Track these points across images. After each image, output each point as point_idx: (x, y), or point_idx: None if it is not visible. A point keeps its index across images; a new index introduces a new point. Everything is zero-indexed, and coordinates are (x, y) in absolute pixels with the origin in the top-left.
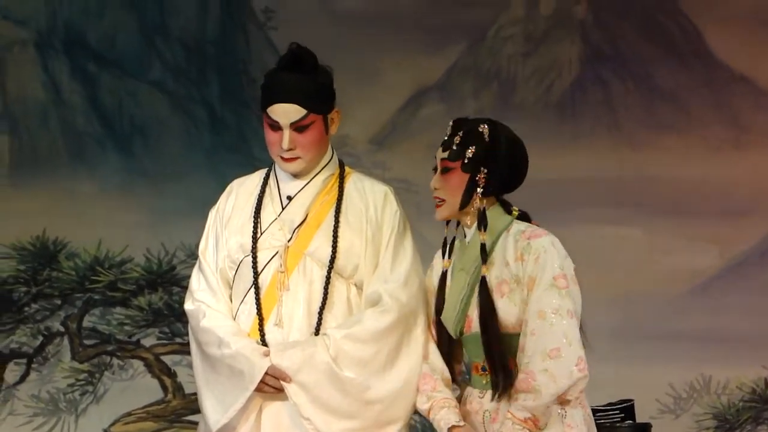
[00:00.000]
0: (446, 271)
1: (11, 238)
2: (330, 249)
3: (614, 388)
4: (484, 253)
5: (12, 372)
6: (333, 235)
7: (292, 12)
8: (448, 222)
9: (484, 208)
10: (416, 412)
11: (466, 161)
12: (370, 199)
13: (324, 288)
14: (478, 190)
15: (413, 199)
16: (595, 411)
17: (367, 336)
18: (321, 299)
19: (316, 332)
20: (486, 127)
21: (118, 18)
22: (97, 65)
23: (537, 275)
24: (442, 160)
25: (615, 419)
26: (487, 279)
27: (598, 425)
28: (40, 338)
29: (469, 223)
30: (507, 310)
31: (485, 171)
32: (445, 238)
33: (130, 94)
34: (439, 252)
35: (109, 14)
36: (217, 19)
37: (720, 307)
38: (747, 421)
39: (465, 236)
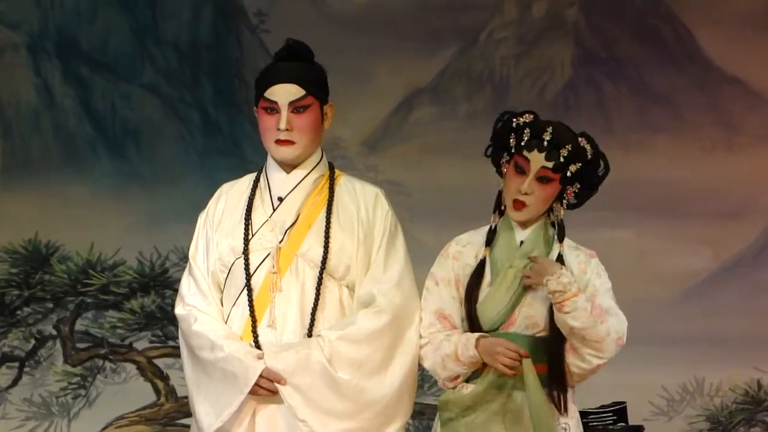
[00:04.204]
0: (484, 259)
1: (3, 241)
2: (322, 250)
3: (607, 391)
4: (562, 263)
5: (4, 375)
6: (325, 236)
7: (284, 15)
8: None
9: (562, 220)
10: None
11: (568, 175)
12: (361, 200)
13: (316, 289)
14: (564, 202)
15: (405, 202)
16: (587, 413)
17: (361, 337)
18: (313, 300)
19: (309, 333)
20: (587, 144)
21: (110, 21)
22: (90, 69)
23: (599, 287)
24: (544, 168)
25: (607, 422)
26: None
27: (590, 428)
28: (33, 342)
29: (526, 223)
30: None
31: (578, 187)
32: (490, 227)
33: (122, 97)
34: (463, 239)
35: (101, 18)
36: (210, 23)
37: (713, 308)
38: (740, 423)
39: (513, 232)
